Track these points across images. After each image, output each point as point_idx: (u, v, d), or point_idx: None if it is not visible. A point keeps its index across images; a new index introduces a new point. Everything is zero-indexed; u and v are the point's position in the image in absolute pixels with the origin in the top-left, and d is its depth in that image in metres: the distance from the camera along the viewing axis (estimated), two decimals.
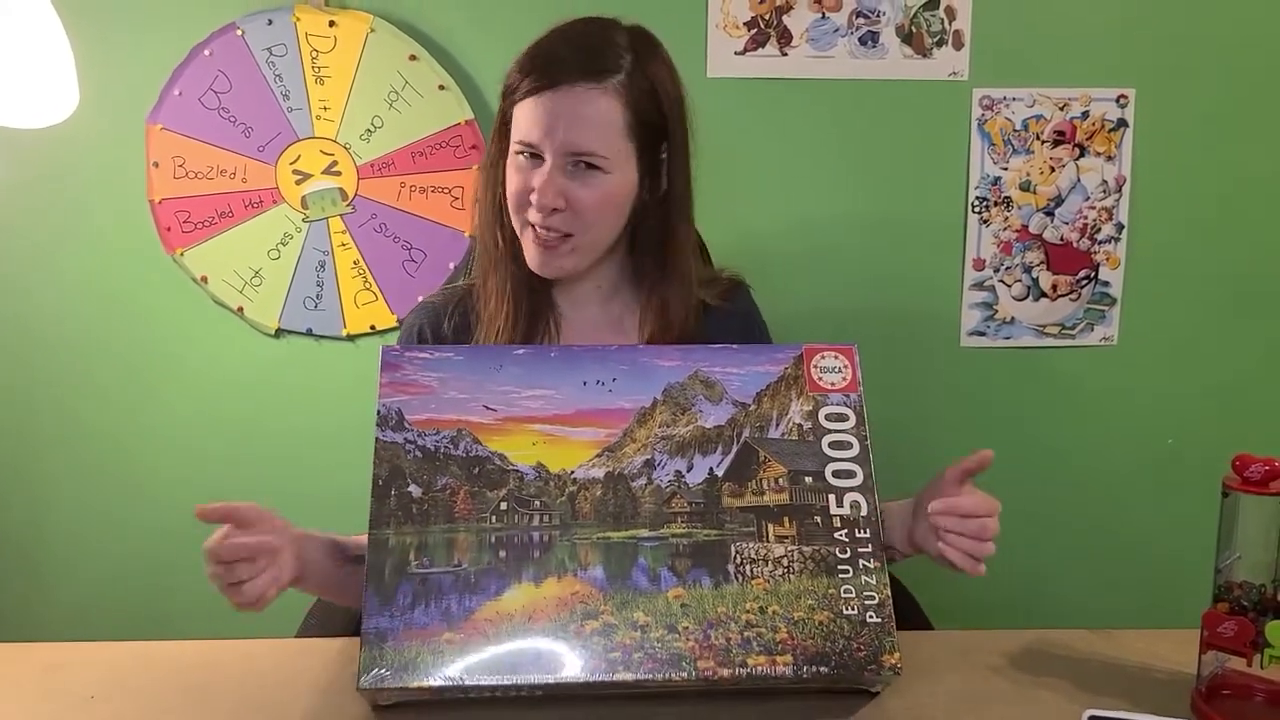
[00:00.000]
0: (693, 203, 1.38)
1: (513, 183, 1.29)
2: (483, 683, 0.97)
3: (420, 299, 1.91)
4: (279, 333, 1.96)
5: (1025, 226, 1.98)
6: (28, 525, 2.00)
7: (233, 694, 1.07)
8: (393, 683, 0.96)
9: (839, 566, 1.05)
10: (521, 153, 1.27)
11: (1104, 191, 1.98)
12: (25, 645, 1.18)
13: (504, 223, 1.35)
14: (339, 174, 1.92)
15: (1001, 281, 2.00)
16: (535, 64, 1.27)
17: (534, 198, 1.26)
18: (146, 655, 1.16)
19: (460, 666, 0.97)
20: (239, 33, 1.87)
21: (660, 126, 1.31)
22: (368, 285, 1.94)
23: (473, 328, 1.37)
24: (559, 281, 1.38)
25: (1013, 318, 2.01)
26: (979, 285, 1.99)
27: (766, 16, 1.91)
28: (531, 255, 1.31)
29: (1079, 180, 1.98)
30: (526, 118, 1.26)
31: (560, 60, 1.26)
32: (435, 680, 0.97)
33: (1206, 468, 1.39)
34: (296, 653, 1.17)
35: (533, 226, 1.29)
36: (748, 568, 1.04)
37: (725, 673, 0.98)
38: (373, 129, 1.91)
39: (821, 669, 0.99)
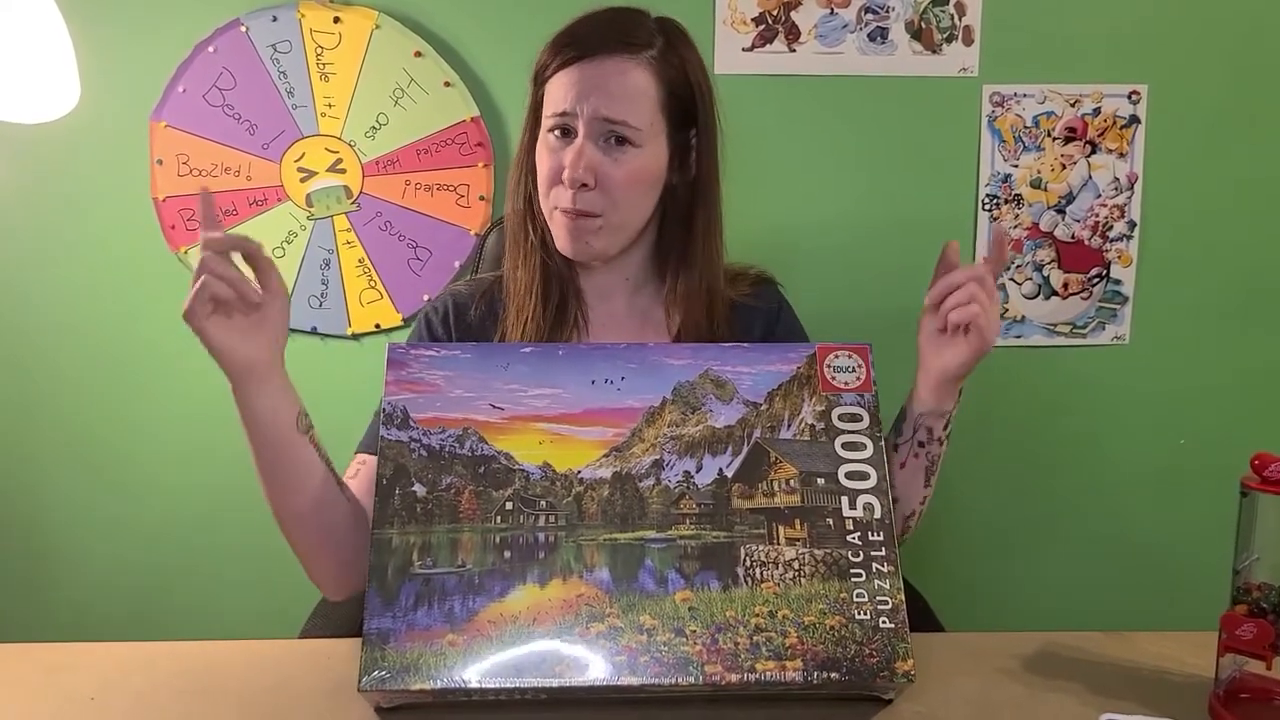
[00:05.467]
0: (720, 192, 1.37)
1: (544, 163, 1.29)
2: (485, 685, 0.95)
3: (425, 298, 1.92)
4: None
5: (1036, 224, 1.97)
6: (30, 526, 2.00)
7: (234, 695, 1.05)
8: (394, 685, 0.95)
9: (851, 570, 1.03)
10: (554, 129, 1.27)
11: (1116, 189, 1.96)
12: (26, 646, 1.17)
13: (534, 212, 1.35)
14: (344, 171, 1.91)
15: (1012, 280, 1.98)
16: (568, 40, 1.27)
17: (565, 174, 1.25)
18: (147, 656, 1.14)
19: (462, 669, 0.96)
20: (243, 29, 1.86)
21: (690, 108, 1.32)
22: (373, 284, 1.93)
23: (499, 318, 1.36)
24: (587, 272, 1.37)
25: (1023, 316, 1.99)
26: None
27: (774, 12, 1.90)
28: (560, 237, 1.30)
29: (1090, 177, 1.96)
30: (559, 89, 1.26)
31: (594, 34, 1.27)
32: (437, 683, 0.95)
33: (1219, 468, 1.38)
34: (299, 654, 1.15)
35: (559, 209, 1.28)
36: (757, 571, 1.03)
37: (733, 678, 0.96)
38: (378, 126, 1.90)
39: (832, 675, 0.97)
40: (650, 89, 1.27)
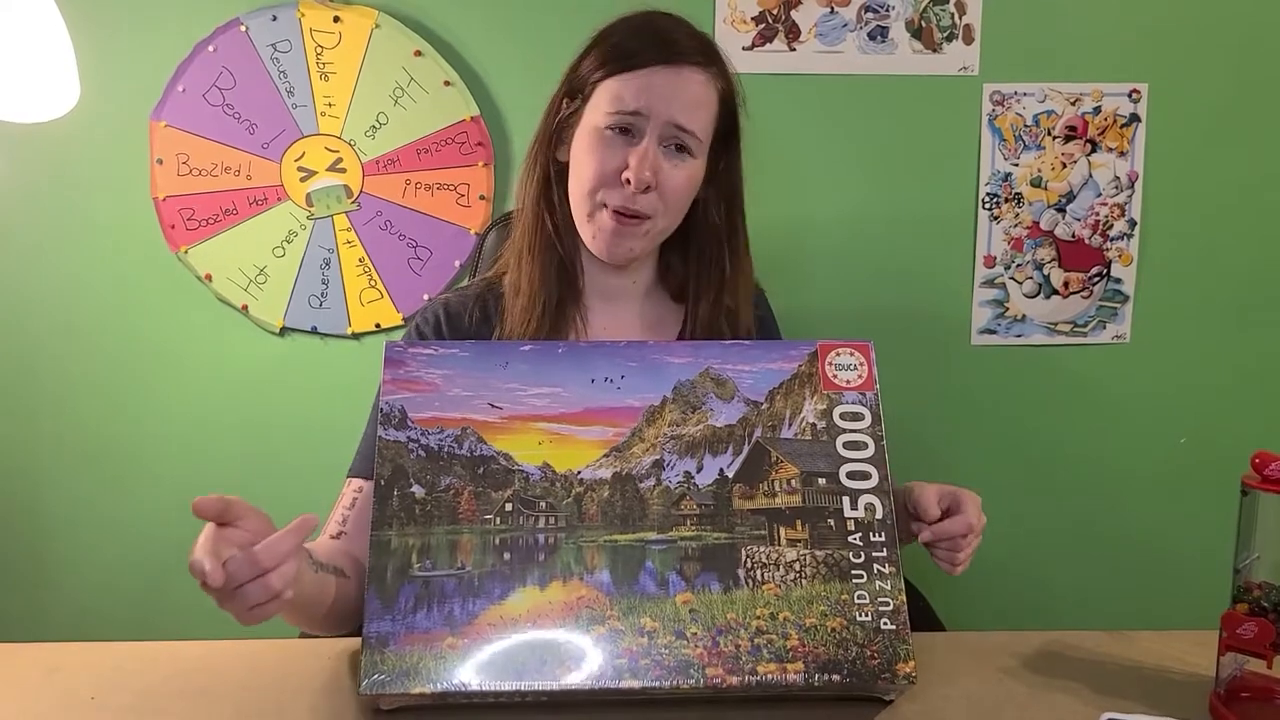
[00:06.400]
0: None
1: (598, 159, 1.26)
2: (486, 688, 0.95)
3: (425, 298, 1.92)
4: (284, 331, 1.95)
5: (1036, 223, 1.97)
6: (30, 525, 2.00)
7: (235, 695, 1.05)
8: (394, 688, 0.95)
9: (853, 571, 1.03)
10: (614, 127, 1.25)
11: (1116, 187, 1.96)
12: (26, 646, 1.17)
13: (553, 207, 1.33)
14: (344, 171, 1.91)
15: (1012, 279, 1.98)
16: (631, 47, 1.26)
17: (629, 174, 1.24)
18: (148, 656, 1.14)
19: (463, 672, 0.96)
20: (243, 28, 1.86)
21: (733, 125, 1.33)
22: (373, 283, 1.93)
23: (494, 321, 1.35)
24: (594, 274, 1.36)
25: (1024, 315, 1.99)
26: (990, 283, 1.98)
27: (774, 11, 1.89)
28: (601, 236, 1.29)
29: (1091, 176, 1.96)
30: (629, 88, 1.24)
31: (663, 43, 1.26)
32: (437, 686, 0.95)
33: (1220, 466, 1.38)
34: (300, 653, 1.15)
35: (607, 208, 1.27)
36: (758, 572, 1.02)
37: (734, 680, 0.96)
38: (378, 125, 1.89)
39: (833, 677, 0.97)
40: (713, 103, 1.28)
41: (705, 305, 1.36)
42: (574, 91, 1.31)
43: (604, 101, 1.26)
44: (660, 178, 1.25)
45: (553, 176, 1.33)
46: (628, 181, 1.24)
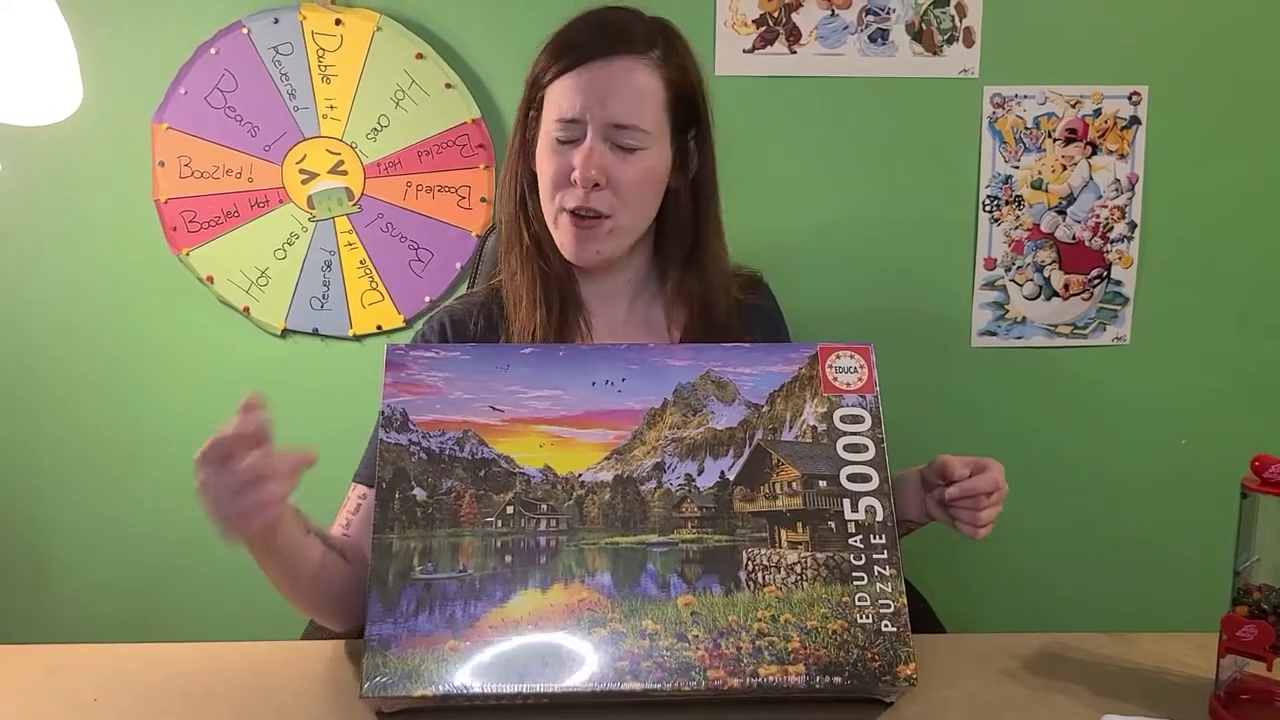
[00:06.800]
0: (719, 192, 1.37)
1: (549, 166, 1.27)
2: (488, 691, 0.95)
3: (427, 300, 1.92)
4: (285, 333, 1.95)
5: (1037, 225, 1.97)
6: (31, 527, 2.00)
7: (236, 697, 1.06)
8: (396, 691, 0.95)
9: (853, 574, 1.03)
10: (559, 133, 1.26)
11: (1116, 190, 1.96)
12: (28, 647, 1.17)
13: (528, 217, 1.33)
14: (345, 173, 1.91)
15: (1013, 281, 1.98)
16: (570, 43, 1.26)
17: (575, 175, 1.24)
18: (149, 657, 1.15)
19: (464, 675, 0.96)
20: (245, 31, 1.86)
21: (692, 109, 1.31)
22: (374, 285, 1.93)
23: (498, 330, 1.35)
24: (587, 279, 1.36)
25: (1024, 317, 1.99)
26: (990, 285, 1.98)
27: (775, 14, 1.90)
28: (567, 242, 1.29)
29: (1091, 178, 1.96)
30: (566, 94, 1.25)
31: (597, 36, 1.26)
32: (439, 689, 0.95)
33: (1220, 469, 1.38)
34: (301, 655, 1.16)
35: (569, 212, 1.27)
36: (759, 575, 1.03)
37: (735, 683, 0.96)
38: (379, 128, 1.90)
39: (835, 679, 0.97)
40: (656, 90, 1.26)
41: (683, 291, 1.36)
42: (531, 100, 1.31)
43: (551, 109, 1.27)
44: (611, 174, 1.24)
45: (526, 189, 1.34)
46: (575, 181, 1.25)
